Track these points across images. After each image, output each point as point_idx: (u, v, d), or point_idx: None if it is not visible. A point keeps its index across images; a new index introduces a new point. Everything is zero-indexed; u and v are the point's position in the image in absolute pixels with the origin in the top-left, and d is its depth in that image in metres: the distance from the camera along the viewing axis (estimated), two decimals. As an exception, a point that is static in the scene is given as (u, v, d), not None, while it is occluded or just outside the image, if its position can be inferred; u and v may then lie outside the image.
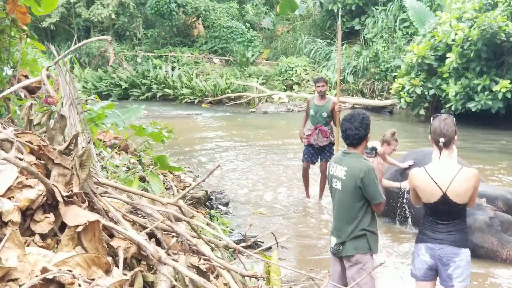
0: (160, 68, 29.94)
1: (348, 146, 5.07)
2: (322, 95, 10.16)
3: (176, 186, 9.76)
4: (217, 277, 4.40)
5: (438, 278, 4.85)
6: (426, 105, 22.71)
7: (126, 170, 8.13)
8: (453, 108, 21.03)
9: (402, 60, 24.96)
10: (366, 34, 29.50)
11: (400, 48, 26.96)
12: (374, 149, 8.92)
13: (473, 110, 20.66)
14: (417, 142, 17.68)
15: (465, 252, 4.70)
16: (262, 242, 7.06)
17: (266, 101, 27.26)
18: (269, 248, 6.21)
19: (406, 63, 22.85)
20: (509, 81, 20.08)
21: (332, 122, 10.27)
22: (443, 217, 4.67)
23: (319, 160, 10.46)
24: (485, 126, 20.96)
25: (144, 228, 4.29)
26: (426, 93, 21.97)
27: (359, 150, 5.04)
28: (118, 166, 7.49)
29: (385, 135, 8.80)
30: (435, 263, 4.70)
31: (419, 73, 22.20)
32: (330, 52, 30.28)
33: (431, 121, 4.77)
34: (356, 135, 4.97)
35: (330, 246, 5.16)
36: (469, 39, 20.21)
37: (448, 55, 21.03)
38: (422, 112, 22.63)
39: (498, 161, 15.35)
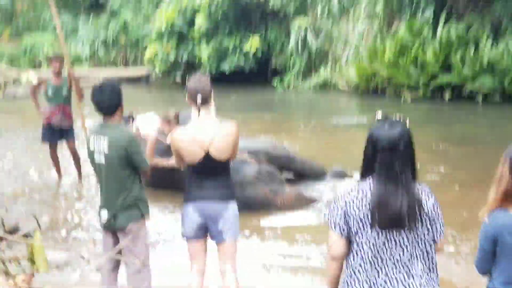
0: None
1: (104, 116, 4.74)
2: (58, 74, 9.47)
3: None
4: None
5: (209, 234, 4.72)
6: (181, 70, 22.77)
7: None
8: (207, 71, 21.30)
9: (152, 27, 24.79)
10: (112, 5, 28.79)
11: (148, 16, 26.69)
12: (130, 116, 8.58)
13: (227, 70, 21.10)
14: (177, 108, 17.62)
15: (233, 206, 4.64)
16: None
17: (14, 83, 25.57)
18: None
19: (156, 31, 22.68)
20: (257, 39, 20.78)
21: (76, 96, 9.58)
22: (208, 175, 4.56)
23: (61, 141, 9.82)
24: (237, 83, 21.49)
25: None
26: (180, 58, 22.02)
27: (116, 120, 4.74)
28: None
29: (168, 114, 8.49)
30: (205, 221, 4.59)
31: (170, 39, 22.13)
32: (78, 25, 29.18)
33: (186, 82, 4.61)
34: (110, 104, 4.67)
35: (100, 221, 4.81)
36: (215, 1, 20.50)
37: (196, 18, 21.19)
38: (178, 77, 22.70)
39: (253, 116, 15.83)
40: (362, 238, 2.99)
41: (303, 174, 9.31)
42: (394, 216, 2.92)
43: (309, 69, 20.81)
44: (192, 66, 22.68)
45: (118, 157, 4.58)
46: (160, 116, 8.57)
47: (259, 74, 21.82)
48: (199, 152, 4.46)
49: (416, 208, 2.94)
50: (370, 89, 18.37)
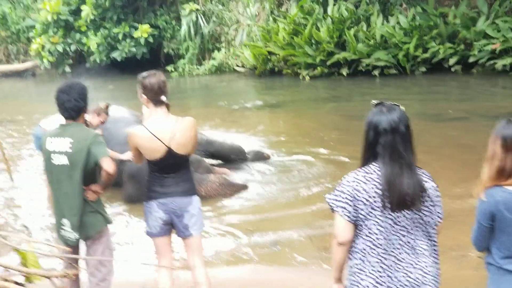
0: None
1: (67, 119, 4.52)
2: None
3: None
4: None
5: (175, 230, 4.69)
6: (70, 61, 22.17)
7: None
8: (98, 60, 20.90)
9: (34, 19, 23.84)
10: (-13, -3, 27.37)
11: (29, 7, 25.58)
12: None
13: (118, 59, 20.65)
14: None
15: (196, 200, 4.66)
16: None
17: None
18: None
19: (41, 22, 21.81)
20: (148, 26, 20.42)
21: None
22: (170, 171, 4.53)
23: None
24: (130, 72, 21.11)
25: None
26: (68, 49, 21.36)
27: (79, 122, 4.56)
28: None
29: (98, 106, 8.07)
30: (170, 217, 4.56)
31: (57, 30, 21.39)
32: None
33: (141, 79, 4.49)
34: (75, 106, 4.46)
35: (60, 231, 4.53)
36: (101, -11, 20.02)
37: (83, 7, 20.63)
38: (67, 69, 22.05)
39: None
40: (372, 221, 3.05)
41: (223, 156, 9.19)
42: (403, 197, 3.00)
43: (203, 53, 20.68)
44: (81, 55, 22.06)
45: (83, 157, 4.38)
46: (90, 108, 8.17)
47: (152, 61, 21.40)
48: (161, 149, 4.42)
49: (420, 189, 3.03)
50: (267, 70, 18.41)
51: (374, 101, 3.20)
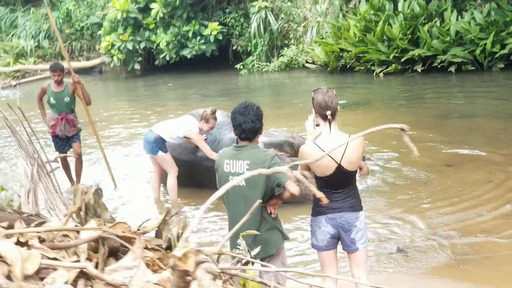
0: None
1: (242, 140, 4.67)
2: (59, 82, 9.24)
3: None
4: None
5: (341, 244, 4.86)
6: (140, 59, 22.52)
7: None
8: (167, 58, 21.17)
9: (98, 16, 24.28)
10: (51, -5, 27.89)
11: (93, 4, 26.00)
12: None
13: (188, 56, 20.95)
14: (138, 100, 17.39)
15: (362, 215, 4.82)
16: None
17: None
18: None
19: (109, 20, 22.19)
20: (217, 23, 20.67)
21: (82, 102, 9.38)
22: (338, 187, 4.70)
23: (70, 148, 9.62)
24: (198, 70, 21.43)
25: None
26: (137, 47, 21.71)
27: (254, 143, 4.71)
28: None
29: (205, 112, 8.33)
30: (337, 231, 4.74)
31: (126, 27, 21.76)
32: (16, 18, 28.16)
33: (313, 95, 4.70)
34: (252, 128, 4.60)
35: (236, 251, 4.52)
36: (171, -13, 20.29)
37: (152, 5, 20.95)
38: (136, 66, 22.43)
39: (222, 103, 15.66)
40: None
41: None
42: None
43: (271, 50, 20.86)
44: (150, 53, 22.42)
45: (263, 177, 4.48)
46: (198, 115, 8.46)
47: (221, 58, 21.75)
48: (332, 166, 4.59)
49: None
50: (339, 67, 18.51)
51: None
